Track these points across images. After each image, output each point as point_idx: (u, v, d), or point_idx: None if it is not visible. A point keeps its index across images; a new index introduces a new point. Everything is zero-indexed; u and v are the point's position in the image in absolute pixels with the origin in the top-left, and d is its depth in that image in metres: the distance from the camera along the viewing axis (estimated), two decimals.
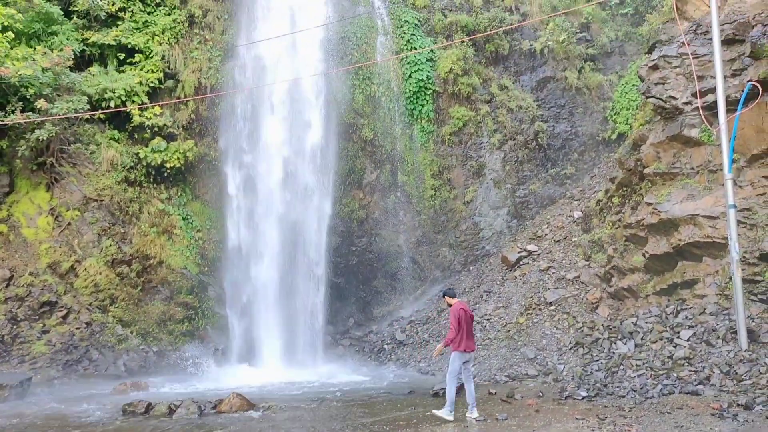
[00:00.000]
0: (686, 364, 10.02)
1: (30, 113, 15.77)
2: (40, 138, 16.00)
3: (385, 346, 17.35)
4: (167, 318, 17.50)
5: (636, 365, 10.56)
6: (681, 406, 7.97)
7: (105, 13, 18.29)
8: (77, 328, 16.04)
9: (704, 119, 11.96)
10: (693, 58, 13.05)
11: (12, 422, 9.65)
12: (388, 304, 20.68)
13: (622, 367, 10.71)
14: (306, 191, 18.83)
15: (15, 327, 15.36)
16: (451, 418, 8.73)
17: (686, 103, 13.45)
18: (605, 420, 7.50)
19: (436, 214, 20.58)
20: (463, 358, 8.61)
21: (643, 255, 13.65)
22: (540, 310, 13.99)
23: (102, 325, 16.39)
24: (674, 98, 13.63)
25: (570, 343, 12.27)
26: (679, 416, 7.47)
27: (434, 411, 8.90)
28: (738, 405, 7.75)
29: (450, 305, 9.40)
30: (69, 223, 17.15)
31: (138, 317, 17.12)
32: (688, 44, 13.22)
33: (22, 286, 15.88)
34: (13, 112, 15.74)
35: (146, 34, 18.79)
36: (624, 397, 9.02)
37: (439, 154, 20.66)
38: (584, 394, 9.37)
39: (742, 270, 10.60)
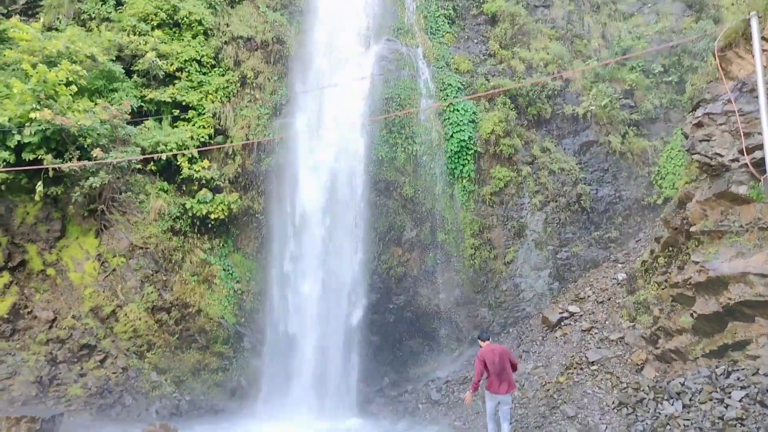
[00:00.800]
0: (738, 424, 9.37)
1: (86, 161, 16.56)
2: (94, 185, 16.69)
3: (420, 406, 16.82)
4: (202, 367, 17.48)
5: (684, 425, 9.93)
6: None
7: (163, 73, 19.35)
8: (113, 373, 16.15)
9: (755, 174, 11.65)
10: (739, 115, 12.89)
11: None
12: (424, 364, 20.20)
13: (668, 427, 10.08)
14: (345, 247, 19.00)
15: (53, 368, 15.57)
16: None
17: (733, 160, 13.15)
18: None
19: (475, 274, 20.31)
20: (493, 399, 8.55)
21: (691, 315, 13.06)
22: (581, 369, 13.41)
23: (138, 370, 16.47)
24: (720, 155, 13.37)
25: (613, 402, 11.65)
26: None
27: None
28: None
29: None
30: (114, 269, 17.60)
31: (173, 365, 17.15)
32: (734, 102, 13.10)
33: (64, 328, 16.19)
34: (70, 159, 16.55)
35: (200, 92, 19.78)
36: None
37: (480, 214, 20.60)
38: None
39: None
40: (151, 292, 17.59)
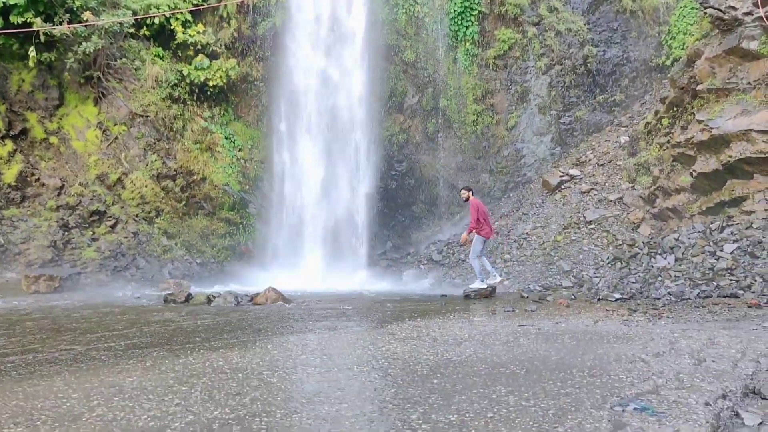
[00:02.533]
0: (728, 274, 9.76)
1: (76, 24, 16.00)
2: (87, 51, 16.23)
3: (422, 266, 17.48)
4: (210, 232, 17.97)
5: (675, 276, 10.36)
6: (718, 303, 7.80)
7: None
8: (125, 237, 16.65)
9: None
10: None
11: (62, 303, 10.21)
12: (426, 229, 20.73)
13: (660, 278, 10.52)
14: (349, 114, 18.82)
15: (66, 233, 16.01)
16: (484, 285, 10.63)
17: (746, 14, 12.70)
18: (636, 311, 7.41)
19: (477, 140, 20.27)
20: (484, 243, 9.91)
21: (691, 174, 13.21)
22: (579, 228, 13.78)
23: (148, 235, 16.96)
24: (734, 8, 12.87)
25: (608, 258, 12.09)
26: (714, 308, 7.31)
27: (469, 286, 10.85)
28: None
29: (466, 199, 11.38)
30: (116, 138, 17.58)
31: (182, 230, 17.63)
32: None
33: (73, 195, 16.46)
34: (60, 23, 15.99)
35: None
36: (659, 299, 8.88)
37: (483, 78, 20.17)
38: (617, 296, 9.27)
39: None
40: (155, 160, 17.69)
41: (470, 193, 11.66)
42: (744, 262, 9.96)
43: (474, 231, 10.90)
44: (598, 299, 9.24)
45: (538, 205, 16.39)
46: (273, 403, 3.21)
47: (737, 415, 2.77)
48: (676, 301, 8.51)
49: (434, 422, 2.62)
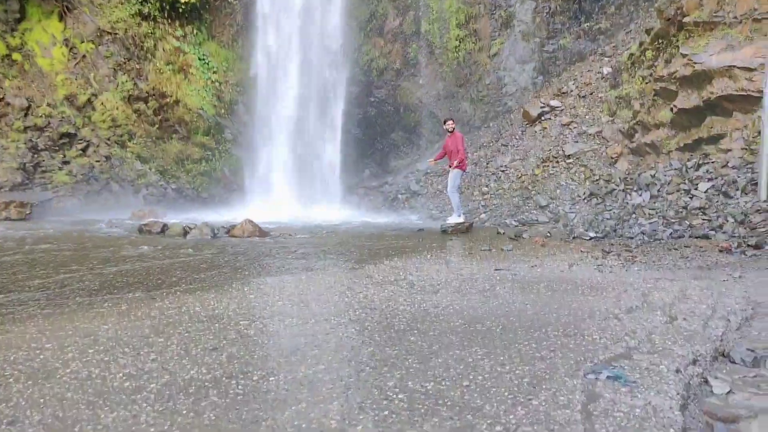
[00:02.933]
0: (700, 213, 9.91)
1: None
2: None
3: (399, 196, 17.48)
4: (185, 157, 17.64)
5: (649, 214, 10.49)
6: (689, 245, 7.95)
7: None
8: (97, 161, 16.27)
9: None
10: None
11: (32, 233, 10.05)
12: (404, 157, 20.61)
13: (634, 215, 10.66)
14: (324, 34, 18.17)
15: (36, 156, 15.58)
16: (461, 219, 10.99)
17: None
18: (610, 253, 7.52)
19: (459, 67, 19.87)
20: (462, 176, 11.20)
21: (671, 109, 13.14)
22: (557, 162, 13.77)
23: (121, 159, 16.60)
24: None
25: (584, 193, 12.17)
26: (686, 252, 7.45)
27: (447, 220, 11.22)
28: (748, 245, 7.70)
29: (452, 130, 11.39)
30: (84, 56, 16.84)
31: (156, 154, 17.28)
32: None
33: (41, 116, 15.89)
34: None
35: None
36: (632, 238, 9.02)
37: (467, 2, 19.54)
38: (592, 235, 9.39)
39: None
40: (126, 81, 17.07)
41: (453, 123, 11.74)
42: (717, 201, 10.10)
43: (455, 165, 10.92)
44: (573, 237, 9.36)
45: (517, 137, 16.29)
46: (250, 362, 3.20)
47: (706, 382, 2.84)
48: (649, 241, 8.65)
49: (411, 391, 2.64)
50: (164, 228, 10.15)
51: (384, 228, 12.09)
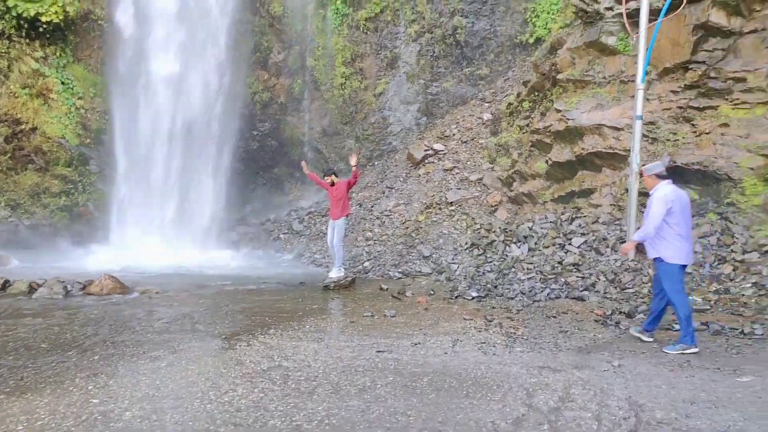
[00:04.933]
0: (575, 270, 10.20)
1: None
2: None
3: (282, 236, 16.85)
4: (42, 191, 15.95)
5: (527, 268, 10.67)
6: (566, 310, 8.05)
7: None
8: None
9: (627, 25, 11.58)
10: None
11: None
12: (288, 193, 20.03)
13: (513, 269, 10.80)
14: (205, 62, 17.32)
15: None
16: (342, 273, 10.60)
17: (608, 8, 13.05)
18: (492, 321, 7.43)
19: (344, 104, 19.68)
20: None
21: (546, 162, 13.65)
22: (440, 209, 13.83)
23: None
24: (597, 1, 13.18)
25: (466, 243, 12.24)
26: (564, 320, 7.50)
27: (329, 273, 10.69)
28: (621, 312, 7.92)
29: (334, 183, 11.09)
30: None
31: (7, 187, 15.48)
32: None
33: None
34: None
35: None
36: (513, 299, 9.05)
37: (353, 41, 19.47)
38: (474, 294, 9.35)
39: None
40: None
41: (335, 177, 11.38)
42: (590, 258, 10.46)
43: (341, 215, 10.63)
44: (456, 296, 9.26)
45: (402, 180, 16.27)
46: None
47: None
48: (529, 303, 8.71)
49: None
50: (5, 284, 8.89)
51: (263, 278, 11.43)
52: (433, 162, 16.28)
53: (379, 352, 5.84)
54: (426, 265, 11.67)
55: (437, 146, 16.94)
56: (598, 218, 11.51)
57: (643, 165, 8.08)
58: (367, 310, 8.07)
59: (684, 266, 6.32)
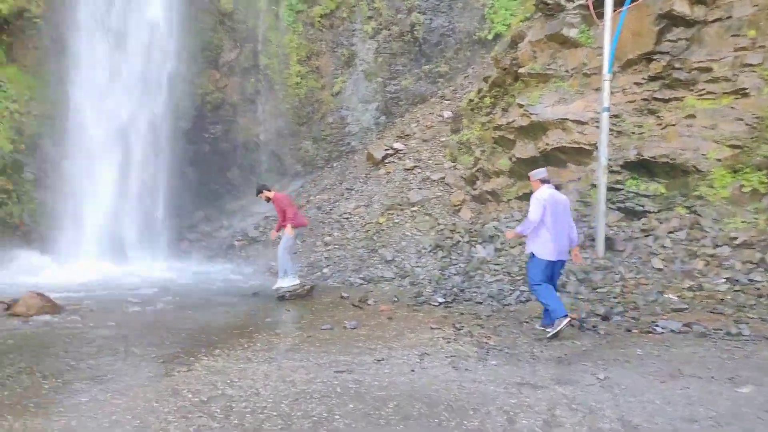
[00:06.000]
0: None
1: None
2: None
3: (236, 243, 15.99)
4: None
5: (494, 270, 10.14)
6: (538, 314, 7.51)
7: None
8: None
9: (593, 15, 11.20)
10: None
11: None
12: (242, 198, 19.13)
13: (480, 271, 10.25)
14: (150, 63, 16.37)
15: None
16: (297, 280, 9.84)
17: (569, 0, 12.70)
18: (461, 330, 6.83)
19: (300, 104, 18.94)
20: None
21: (510, 159, 13.17)
22: (402, 210, 13.22)
23: None
24: None
25: (430, 245, 11.66)
26: (538, 331, 6.93)
27: (281, 284, 9.69)
28: (596, 315, 7.43)
29: (270, 198, 10.47)
30: None
31: None
32: None
33: None
34: None
35: None
36: (481, 303, 8.50)
37: (308, 38, 18.76)
38: (441, 300, 8.76)
39: None
40: None
41: (268, 192, 10.59)
42: None
43: (286, 226, 9.84)
44: (422, 302, 8.65)
45: (362, 181, 15.61)
46: None
47: None
48: (499, 308, 8.15)
49: None
50: None
51: (214, 290, 10.63)
52: (393, 162, 15.69)
53: (337, 372, 5.17)
54: (389, 269, 11.03)
55: (397, 145, 16.35)
56: None
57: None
58: (326, 322, 7.39)
59: (551, 262, 6.97)
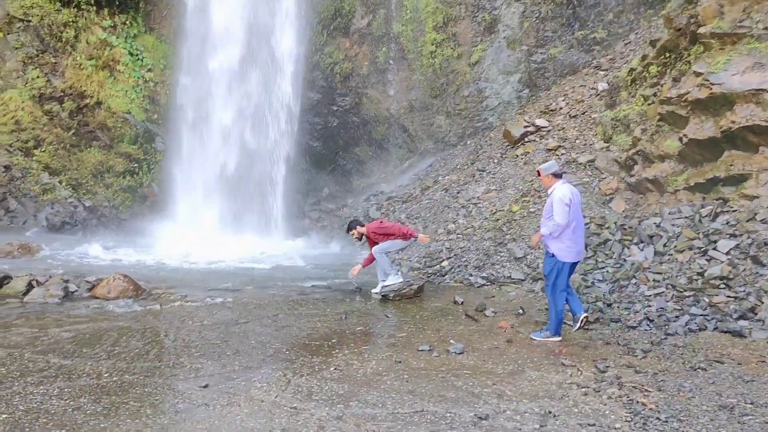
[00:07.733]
0: (723, 286, 7.42)
1: None
2: None
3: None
4: (105, 169, 14.97)
5: (654, 280, 8.00)
6: (720, 355, 5.41)
7: None
8: None
9: None
10: None
11: None
12: (369, 175, 18.05)
13: (634, 280, 8.17)
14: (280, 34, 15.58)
15: None
16: (400, 278, 8.49)
17: None
18: (606, 372, 4.97)
19: (434, 75, 17.35)
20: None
21: (680, 139, 10.65)
22: (540, 197, 11.25)
23: (24, 170, 13.90)
24: None
25: None
26: (722, 380, 4.86)
27: (383, 283, 8.48)
28: None
29: (360, 237, 8.94)
30: None
31: (69, 165, 14.59)
32: None
33: None
34: None
35: None
36: (635, 328, 6.52)
37: (445, 2, 17.03)
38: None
39: None
40: (37, 77, 14.46)
41: (361, 227, 8.95)
42: (744, 269, 7.61)
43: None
44: None
45: (495, 161, 13.78)
46: None
47: None
48: (661, 339, 6.11)
49: None
50: (2, 281, 7.48)
51: (315, 277, 9.53)
52: (533, 140, 13.65)
53: None
54: (517, 269, 9.23)
55: (540, 122, 14.25)
56: (755, 214, 8.55)
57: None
58: (427, 339, 5.88)
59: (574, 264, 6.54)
